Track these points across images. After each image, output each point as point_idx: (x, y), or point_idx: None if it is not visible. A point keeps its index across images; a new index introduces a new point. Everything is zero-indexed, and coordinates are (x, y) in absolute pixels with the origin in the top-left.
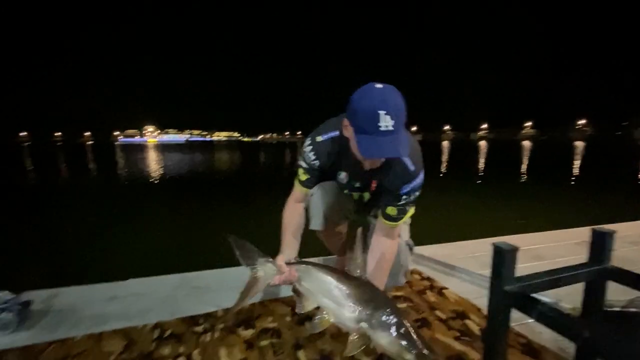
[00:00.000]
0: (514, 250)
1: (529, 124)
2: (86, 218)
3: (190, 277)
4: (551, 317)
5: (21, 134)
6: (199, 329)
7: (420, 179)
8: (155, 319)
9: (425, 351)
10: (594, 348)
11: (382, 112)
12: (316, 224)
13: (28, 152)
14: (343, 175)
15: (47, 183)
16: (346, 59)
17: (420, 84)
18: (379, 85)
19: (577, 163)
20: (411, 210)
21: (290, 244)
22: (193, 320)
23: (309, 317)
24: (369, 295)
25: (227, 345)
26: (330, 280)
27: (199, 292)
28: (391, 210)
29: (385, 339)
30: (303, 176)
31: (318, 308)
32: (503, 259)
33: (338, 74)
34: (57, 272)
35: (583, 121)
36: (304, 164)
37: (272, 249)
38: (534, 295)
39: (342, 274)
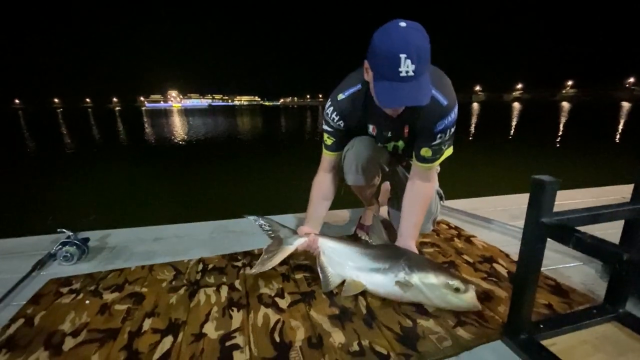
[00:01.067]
0: (554, 182)
1: (569, 83)
2: (133, 175)
3: (226, 224)
4: (590, 243)
5: (55, 100)
6: (239, 264)
7: (454, 113)
8: (198, 256)
9: (463, 283)
10: (635, 269)
11: (403, 56)
12: (351, 179)
13: (63, 118)
14: (371, 128)
15: (93, 145)
16: (368, 15)
17: (448, 39)
18: (402, 24)
19: (620, 124)
20: (448, 151)
21: (313, 217)
22: (232, 257)
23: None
24: (396, 252)
25: (265, 277)
26: (356, 250)
27: (235, 235)
28: (426, 152)
29: (428, 279)
30: (329, 140)
31: (343, 283)
32: (543, 190)
33: (358, 33)
34: (105, 219)
35: (631, 79)
36: (328, 128)
37: (292, 204)
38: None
39: (364, 243)
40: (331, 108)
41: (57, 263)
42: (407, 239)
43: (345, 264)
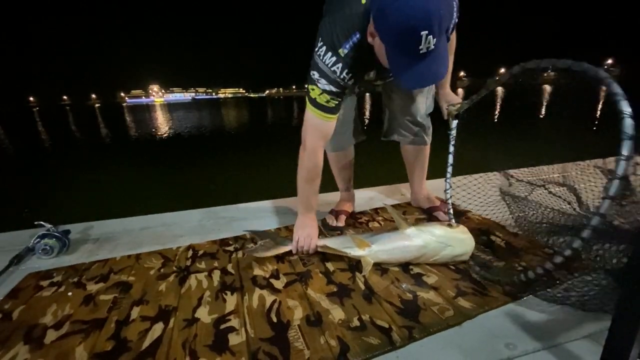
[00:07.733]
0: None
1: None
2: (115, 171)
3: (215, 210)
4: None
5: (30, 98)
6: (231, 248)
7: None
8: (188, 243)
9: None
10: None
11: (424, 33)
12: (335, 146)
13: (38, 117)
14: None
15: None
16: None
17: None
18: None
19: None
20: None
21: (314, 205)
22: (224, 242)
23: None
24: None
25: (259, 260)
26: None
27: (226, 221)
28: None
29: (430, 226)
30: (333, 102)
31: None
32: None
33: None
34: (87, 213)
35: (610, 61)
36: (333, 88)
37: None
38: None
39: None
40: (338, 66)
41: (36, 257)
42: (446, 88)
43: (378, 252)
